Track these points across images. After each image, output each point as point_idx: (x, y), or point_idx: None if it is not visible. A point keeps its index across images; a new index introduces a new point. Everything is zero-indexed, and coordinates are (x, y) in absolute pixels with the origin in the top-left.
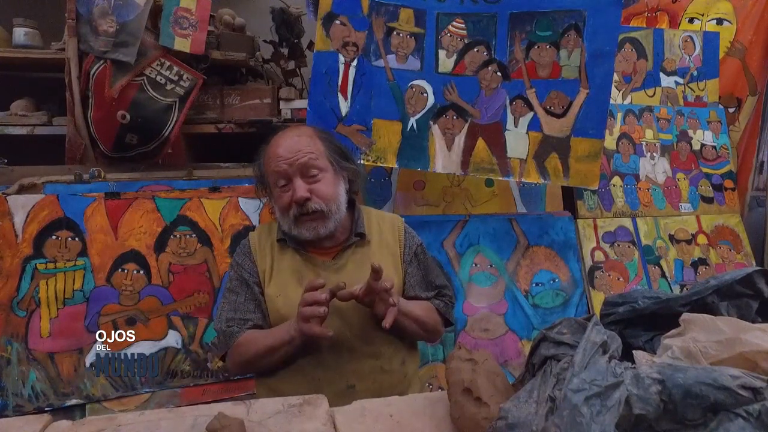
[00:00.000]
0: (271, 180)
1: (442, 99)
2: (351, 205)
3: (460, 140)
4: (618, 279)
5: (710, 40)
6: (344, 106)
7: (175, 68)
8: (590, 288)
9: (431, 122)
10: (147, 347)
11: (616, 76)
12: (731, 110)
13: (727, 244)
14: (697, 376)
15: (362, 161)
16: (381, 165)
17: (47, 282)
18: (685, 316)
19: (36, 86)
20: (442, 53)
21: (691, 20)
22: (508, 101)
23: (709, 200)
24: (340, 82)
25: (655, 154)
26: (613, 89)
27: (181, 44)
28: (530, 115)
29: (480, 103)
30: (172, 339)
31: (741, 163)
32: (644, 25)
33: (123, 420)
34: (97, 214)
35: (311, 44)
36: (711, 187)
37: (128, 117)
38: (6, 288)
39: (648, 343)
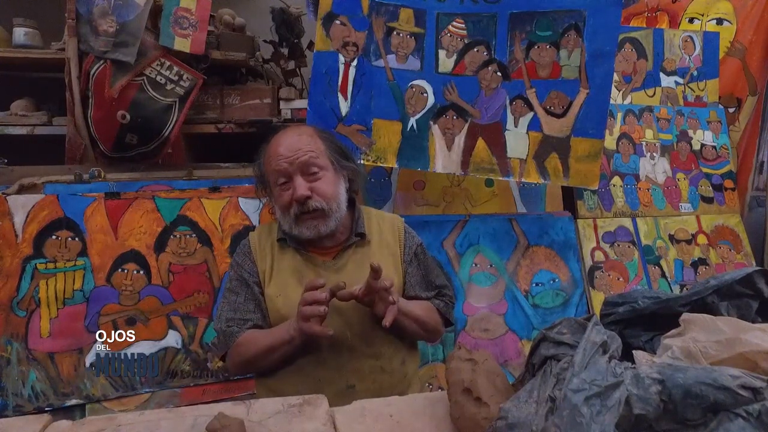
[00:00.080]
0: (271, 179)
1: (442, 99)
2: (351, 204)
3: (460, 140)
4: (618, 279)
5: (710, 40)
6: (344, 106)
7: (175, 68)
8: (590, 288)
9: (431, 122)
10: (147, 347)
11: (616, 76)
12: (731, 110)
13: (727, 244)
14: (697, 376)
15: (362, 161)
16: (381, 165)
17: (47, 282)
18: (685, 316)
19: (36, 86)
20: (442, 53)
21: (691, 20)
22: (508, 101)
23: (709, 200)
24: (340, 82)
25: (655, 154)
26: (613, 89)
27: (181, 44)
28: (530, 115)
29: (480, 103)
30: (172, 339)
31: (741, 163)
32: (644, 25)
33: (123, 420)
34: (97, 214)
35: (311, 44)
36: (711, 187)
37: (128, 117)
38: (6, 288)
39: (648, 343)
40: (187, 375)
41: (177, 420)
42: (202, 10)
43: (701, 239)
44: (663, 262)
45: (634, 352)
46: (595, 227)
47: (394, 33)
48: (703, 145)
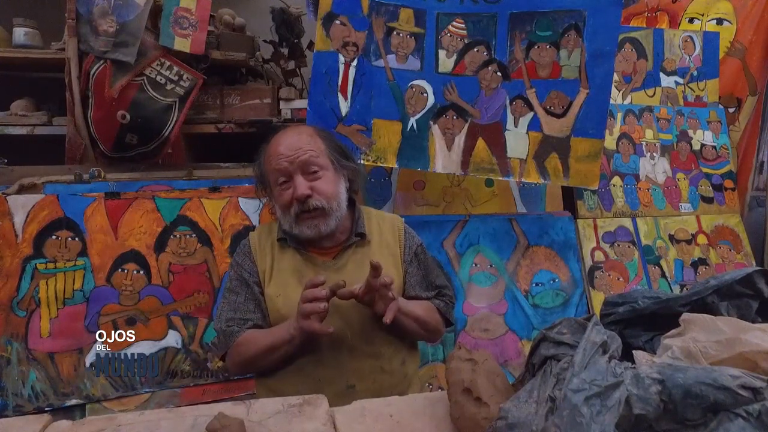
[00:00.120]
0: (271, 178)
1: (442, 99)
2: (351, 204)
3: (460, 140)
4: (618, 279)
5: (710, 40)
6: (344, 106)
7: (175, 68)
8: (590, 288)
9: (431, 122)
10: (147, 347)
11: (616, 76)
12: (731, 110)
13: (727, 244)
14: (697, 376)
15: (362, 161)
16: (381, 165)
17: (47, 282)
18: (685, 316)
19: (36, 86)
20: (442, 53)
21: (691, 20)
22: (508, 101)
23: (709, 200)
24: (340, 82)
25: (655, 154)
26: (613, 89)
27: (181, 44)
28: (530, 115)
29: (480, 103)
30: (172, 339)
31: (741, 163)
32: (644, 25)
33: (123, 420)
34: (97, 214)
35: (311, 44)
36: (711, 187)
37: (128, 117)
38: (6, 288)
39: (648, 343)
40: (187, 375)
41: (177, 420)
42: (202, 10)
43: (701, 239)
44: (663, 262)
45: (634, 352)
46: (595, 227)
47: (394, 33)
48: (703, 145)
